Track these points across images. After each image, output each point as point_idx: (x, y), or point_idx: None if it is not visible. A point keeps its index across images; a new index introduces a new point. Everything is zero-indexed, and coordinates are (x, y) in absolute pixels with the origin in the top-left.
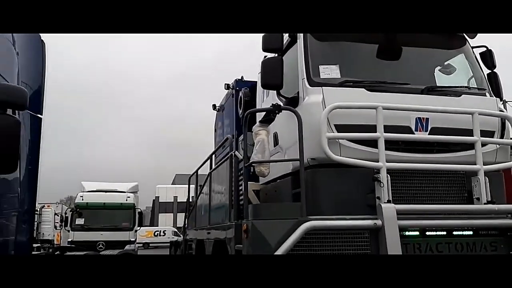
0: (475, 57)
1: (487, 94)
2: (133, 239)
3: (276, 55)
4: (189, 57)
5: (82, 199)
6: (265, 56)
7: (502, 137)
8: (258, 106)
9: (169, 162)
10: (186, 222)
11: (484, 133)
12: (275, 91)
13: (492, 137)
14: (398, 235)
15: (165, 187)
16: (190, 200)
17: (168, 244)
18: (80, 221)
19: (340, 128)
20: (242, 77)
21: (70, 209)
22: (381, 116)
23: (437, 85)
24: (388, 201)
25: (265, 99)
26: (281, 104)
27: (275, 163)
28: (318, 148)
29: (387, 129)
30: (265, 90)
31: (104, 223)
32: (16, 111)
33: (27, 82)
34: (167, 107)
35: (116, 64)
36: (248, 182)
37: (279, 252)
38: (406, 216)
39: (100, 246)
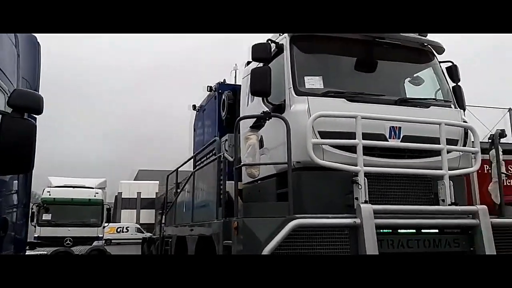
0: (442, 71)
1: (452, 106)
2: (101, 235)
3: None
4: (154, 54)
5: (49, 195)
6: (248, 62)
7: (464, 145)
8: (242, 110)
9: (131, 157)
10: (163, 219)
11: (449, 141)
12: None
13: (456, 145)
14: (374, 232)
15: (128, 183)
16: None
17: (132, 241)
18: (47, 217)
19: (324, 134)
20: (224, 80)
21: (36, 204)
22: (360, 124)
23: (407, 95)
24: (365, 202)
25: (250, 103)
26: (267, 109)
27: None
28: (303, 152)
29: (364, 136)
30: (249, 95)
31: (71, 219)
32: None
33: (28, 80)
34: (131, 101)
35: (77, 53)
36: (231, 182)
37: (269, 247)
38: (381, 215)
39: (68, 242)
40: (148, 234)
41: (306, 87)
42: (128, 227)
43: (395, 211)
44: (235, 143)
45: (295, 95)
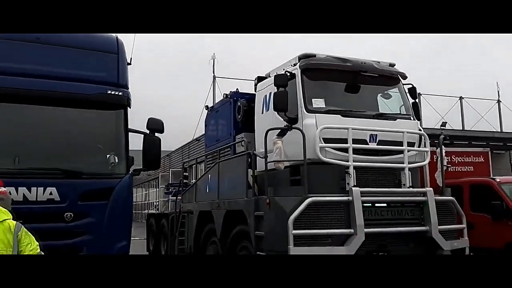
0: (405, 91)
1: (411, 118)
2: None
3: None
4: None
5: None
6: (258, 78)
7: (419, 146)
8: (257, 116)
9: None
10: (180, 197)
11: (409, 144)
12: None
13: (414, 146)
14: (361, 206)
15: None
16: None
17: None
18: None
19: (326, 140)
20: (237, 89)
21: None
22: (351, 134)
23: (380, 108)
24: (354, 186)
25: (265, 112)
26: (283, 120)
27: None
28: (312, 152)
29: (353, 141)
30: (264, 104)
31: None
32: None
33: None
34: None
35: None
36: (250, 170)
37: (293, 216)
38: (365, 194)
39: None
40: None
41: (314, 106)
42: None
43: (374, 192)
44: (264, 146)
45: (306, 112)
